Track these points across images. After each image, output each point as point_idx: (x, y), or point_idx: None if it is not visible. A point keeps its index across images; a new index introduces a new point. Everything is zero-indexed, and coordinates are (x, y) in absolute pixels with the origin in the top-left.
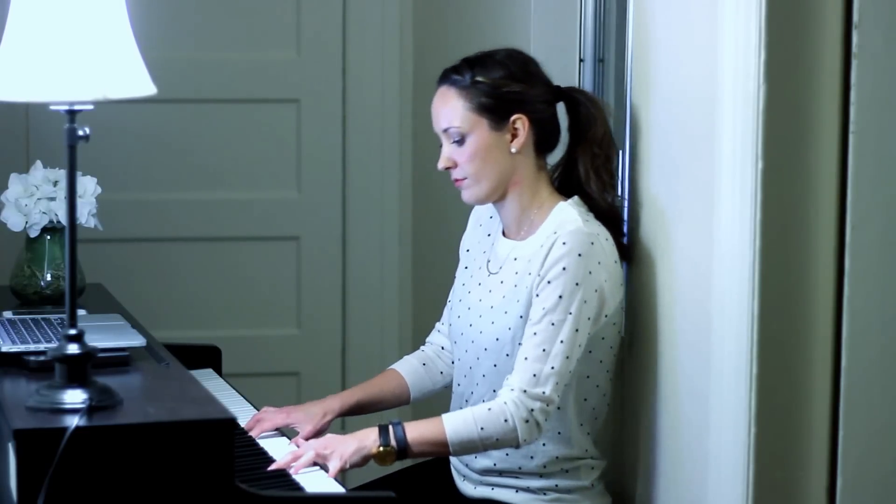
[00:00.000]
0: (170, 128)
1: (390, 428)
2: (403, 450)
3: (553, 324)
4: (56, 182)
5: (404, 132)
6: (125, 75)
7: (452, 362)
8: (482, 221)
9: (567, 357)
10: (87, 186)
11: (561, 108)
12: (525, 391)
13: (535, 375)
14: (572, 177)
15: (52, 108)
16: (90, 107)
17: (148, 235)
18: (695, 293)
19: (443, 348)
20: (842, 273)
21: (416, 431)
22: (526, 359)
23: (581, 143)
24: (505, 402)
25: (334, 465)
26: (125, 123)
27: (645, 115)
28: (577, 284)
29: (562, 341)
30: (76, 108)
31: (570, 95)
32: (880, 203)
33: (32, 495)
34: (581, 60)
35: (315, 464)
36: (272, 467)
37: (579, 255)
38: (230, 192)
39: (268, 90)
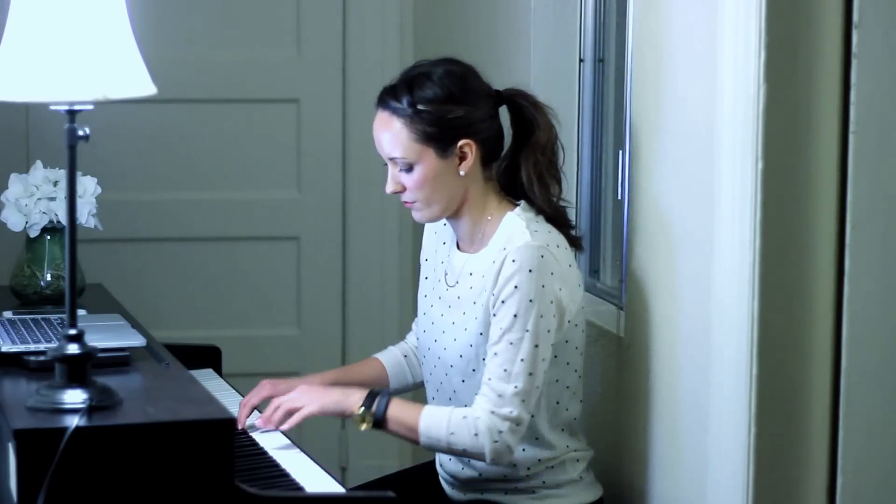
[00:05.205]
0: (170, 128)
1: (377, 397)
2: (380, 422)
3: (511, 343)
4: (56, 182)
5: None
6: (125, 75)
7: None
8: (436, 229)
9: (530, 374)
10: (87, 186)
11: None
12: (493, 412)
13: (500, 396)
14: (516, 179)
15: (52, 108)
16: (90, 107)
17: (148, 235)
18: (695, 293)
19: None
20: (842, 273)
21: (397, 409)
22: (490, 379)
23: (524, 149)
24: (478, 417)
25: (310, 410)
26: (125, 123)
27: (645, 115)
28: (530, 301)
29: (522, 360)
30: (76, 108)
31: (513, 101)
32: (880, 203)
33: (32, 495)
34: (581, 60)
35: (290, 413)
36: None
37: (530, 270)
38: (230, 192)
39: (268, 90)
